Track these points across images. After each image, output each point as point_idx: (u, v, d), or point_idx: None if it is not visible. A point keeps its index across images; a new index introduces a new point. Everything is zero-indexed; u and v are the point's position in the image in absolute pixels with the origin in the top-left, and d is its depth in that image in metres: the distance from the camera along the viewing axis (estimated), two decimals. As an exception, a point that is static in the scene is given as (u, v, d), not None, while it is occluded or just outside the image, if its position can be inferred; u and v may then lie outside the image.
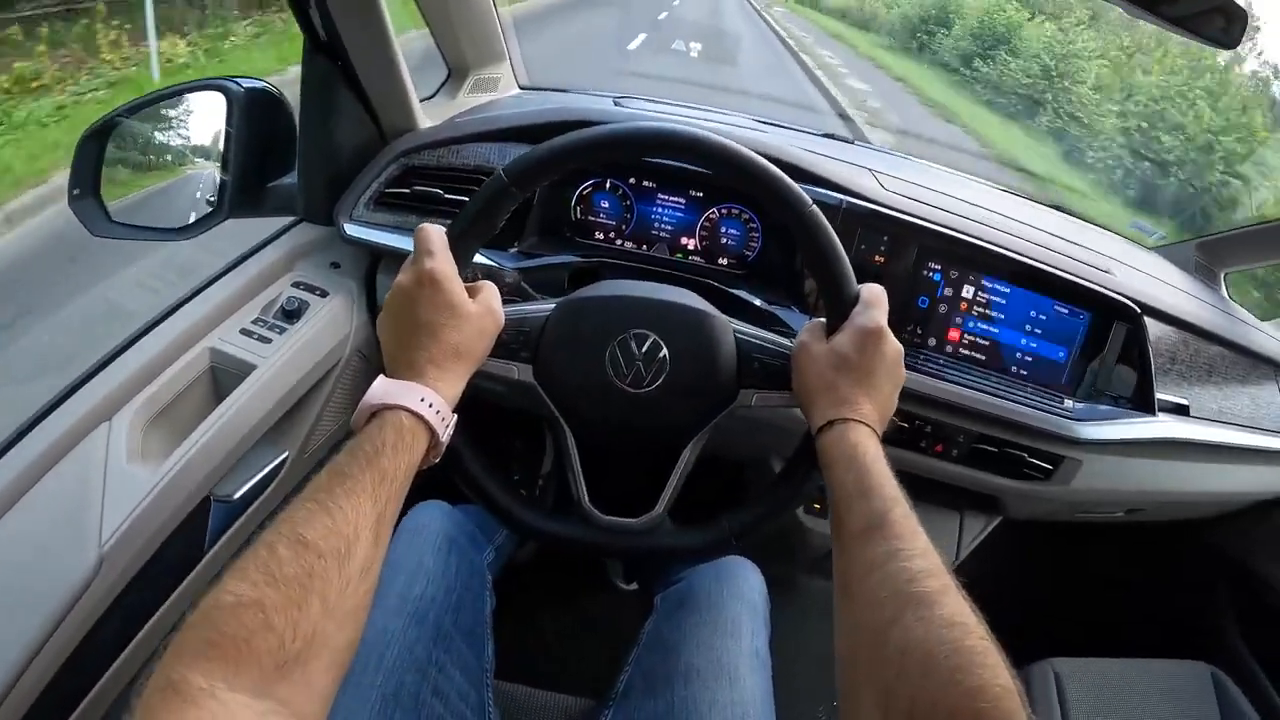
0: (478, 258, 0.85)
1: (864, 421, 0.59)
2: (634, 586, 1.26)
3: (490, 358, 0.65)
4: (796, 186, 0.65)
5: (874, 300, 0.64)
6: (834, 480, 0.56)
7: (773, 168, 0.65)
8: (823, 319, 0.67)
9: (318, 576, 0.43)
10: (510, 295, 0.68)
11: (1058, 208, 1.25)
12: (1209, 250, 1.20)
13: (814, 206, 0.65)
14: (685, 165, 0.91)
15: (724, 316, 0.71)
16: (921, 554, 0.48)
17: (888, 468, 0.55)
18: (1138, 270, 1.04)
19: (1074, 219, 1.22)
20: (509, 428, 1.24)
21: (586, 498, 0.70)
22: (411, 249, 0.62)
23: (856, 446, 0.56)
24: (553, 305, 0.70)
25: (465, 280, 0.63)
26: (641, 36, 8.41)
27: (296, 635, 0.40)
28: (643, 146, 0.67)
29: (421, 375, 0.57)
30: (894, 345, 0.63)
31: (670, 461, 0.70)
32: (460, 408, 0.61)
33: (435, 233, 0.62)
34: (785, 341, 0.70)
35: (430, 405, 0.55)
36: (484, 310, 0.62)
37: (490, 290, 0.65)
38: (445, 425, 0.57)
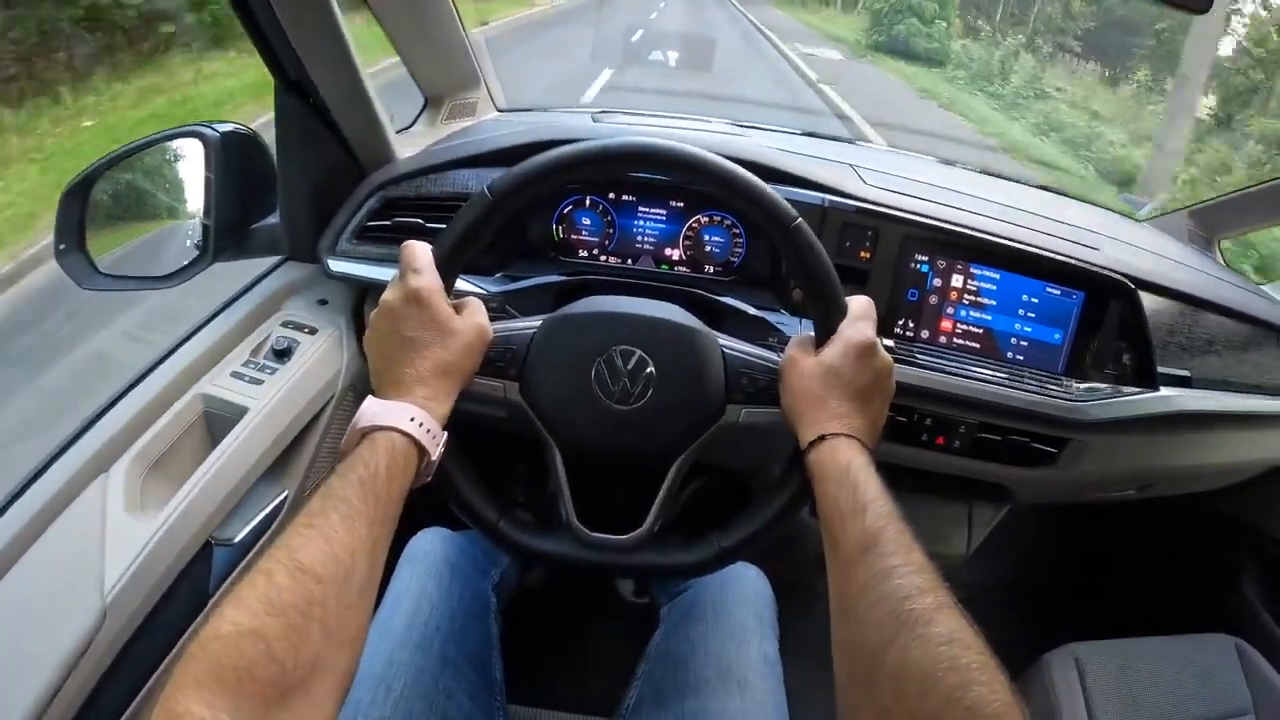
0: (461, 284, 0.85)
1: (854, 436, 0.58)
2: (645, 600, 1.26)
3: (477, 377, 0.65)
4: (781, 200, 0.64)
5: (862, 313, 0.63)
6: (825, 496, 0.55)
7: (756, 181, 0.64)
8: (811, 332, 0.66)
9: (316, 603, 0.43)
10: (496, 316, 0.68)
11: (1044, 188, 1.24)
12: (1201, 218, 1.19)
13: (799, 220, 0.64)
14: (664, 178, 0.90)
15: (710, 332, 0.70)
16: (917, 570, 0.47)
17: (880, 483, 0.54)
18: (1129, 244, 1.03)
19: (1061, 197, 1.22)
20: (512, 449, 1.24)
21: (574, 515, 0.70)
22: None
23: (849, 462, 0.55)
24: (539, 322, 0.70)
25: (451, 298, 0.62)
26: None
27: (298, 662, 0.41)
28: (624, 161, 0.66)
29: (410, 394, 0.57)
30: (884, 359, 0.62)
31: (659, 478, 0.69)
32: (462, 430, 0.60)
33: (421, 249, 0.62)
34: (773, 356, 0.70)
35: (421, 425, 0.55)
36: (471, 326, 0.62)
37: (476, 306, 0.64)
38: (436, 444, 0.57)
